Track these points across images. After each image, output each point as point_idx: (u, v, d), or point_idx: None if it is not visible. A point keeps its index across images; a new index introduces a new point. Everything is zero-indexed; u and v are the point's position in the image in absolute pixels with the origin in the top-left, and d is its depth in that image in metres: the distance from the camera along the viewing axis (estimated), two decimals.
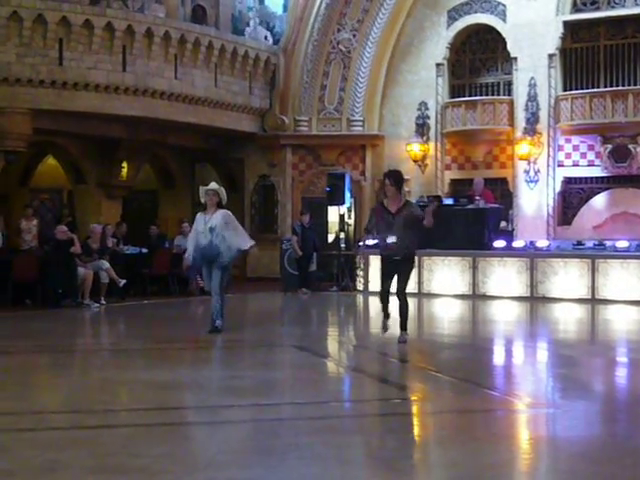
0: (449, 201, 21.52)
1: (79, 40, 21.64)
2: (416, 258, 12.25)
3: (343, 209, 23.10)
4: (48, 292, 17.64)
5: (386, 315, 12.08)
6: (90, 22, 21.65)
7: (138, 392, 8.79)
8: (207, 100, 24.60)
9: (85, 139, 24.52)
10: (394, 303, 11.90)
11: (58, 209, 26.63)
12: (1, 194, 23.01)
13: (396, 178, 12.08)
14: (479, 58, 26.54)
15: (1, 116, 20.98)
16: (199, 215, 13.40)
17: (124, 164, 25.22)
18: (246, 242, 13.42)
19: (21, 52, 21.10)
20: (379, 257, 12.70)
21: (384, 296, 12.04)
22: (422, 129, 26.28)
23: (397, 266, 11.90)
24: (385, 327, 12.13)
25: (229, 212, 13.37)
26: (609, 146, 24.27)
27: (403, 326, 12.02)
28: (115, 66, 22.25)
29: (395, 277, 11.96)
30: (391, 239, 11.73)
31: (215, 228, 13.02)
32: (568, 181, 25.08)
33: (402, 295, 11.99)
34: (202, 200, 13.39)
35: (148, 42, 22.75)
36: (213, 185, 13.57)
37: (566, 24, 24.87)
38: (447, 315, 17.34)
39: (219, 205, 13.30)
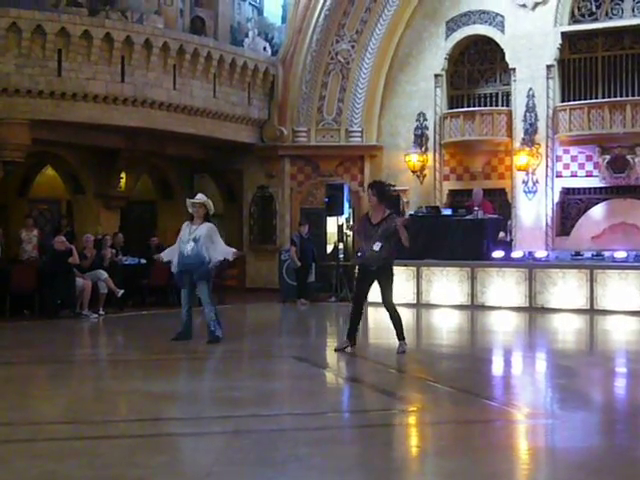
0: (447, 212, 21.55)
1: (78, 51, 21.67)
2: (394, 269, 12.20)
3: (342, 220, 23.11)
4: (46, 302, 17.63)
5: (350, 330, 12.18)
6: (89, 33, 21.69)
7: (136, 403, 8.78)
8: (206, 111, 24.62)
9: (84, 149, 24.54)
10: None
11: (56, 219, 26.63)
12: (0, 205, 23.02)
13: (379, 189, 12.12)
14: (477, 69, 26.60)
15: (0, 127, 20.98)
16: (185, 225, 13.49)
17: (123, 175, 25.25)
18: (228, 253, 13.49)
19: (20, 63, 21.14)
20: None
21: (354, 309, 12.21)
22: (420, 140, 26.32)
23: (373, 277, 12.01)
24: (342, 346, 12.24)
25: (214, 226, 13.45)
26: (607, 157, 24.30)
27: (399, 336, 12.05)
28: (114, 77, 22.28)
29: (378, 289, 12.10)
30: (375, 247, 11.80)
31: (199, 239, 13.12)
32: (566, 192, 25.12)
33: (389, 306, 12.06)
34: (190, 210, 13.47)
35: (147, 53, 22.79)
36: (200, 197, 13.58)
37: (564, 35, 24.94)
38: (445, 325, 17.33)
39: (206, 217, 13.36)
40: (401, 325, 12.09)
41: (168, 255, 13.77)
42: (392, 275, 12.16)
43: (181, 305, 13.50)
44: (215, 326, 13.14)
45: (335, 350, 12.25)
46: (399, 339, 12.03)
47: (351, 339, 12.22)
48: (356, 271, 13.12)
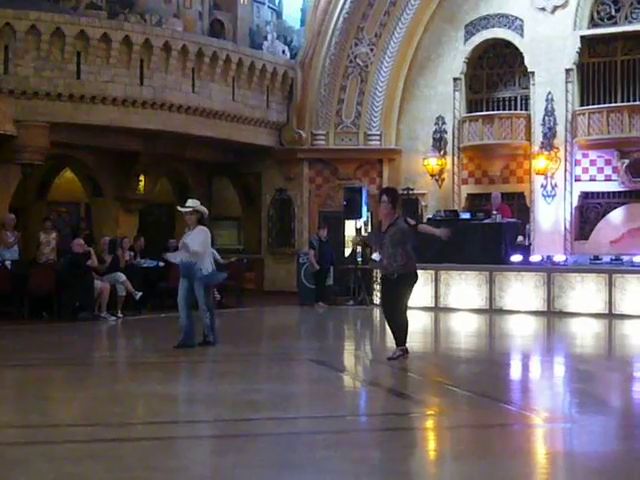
0: (466, 215, 21.51)
1: (97, 54, 21.75)
2: (418, 273, 11.74)
3: (360, 223, 23.09)
4: (65, 305, 17.69)
5: (397, 338, 11.66)
6: (108, 36, 21.76)
7: (155, 405, 8.79)
8: (224, 114, 24.66)
9: (102, 152, 24.59)
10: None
11: (75, 222, 26.72)
12: (19, 207, 23.09)
13: (393, 195, 11.87)
14: (496, 73, 26.56)
15: (19, 129, 21.08)
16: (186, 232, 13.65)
17: (141, 177, 25.29)
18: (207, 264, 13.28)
19: (39, 66, 21.22)
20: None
21: (388, 322, 11.81)
22: (439, 143, 26.30)
23: (395, 284, 11.57)
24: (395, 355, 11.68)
25: (204, 229, 13.28)
26: (626, 161, 24.23)
27: (401, 341, 11.59)
28: (133, 80, 22.34)
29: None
30: (386, 254, 11.57)
31: (186, 244, 13.07)
32: (585, 196, 25.05)
33: (401, 309, 11.62)
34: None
35: (166, 56, 22.84)
36: (191, 203, 13.44)
37: (583, 39, 24.88)
38: (464, 329, 17.28)
39: (200, 221, 13.31)
40: (401, 333, 11.59)
41: (176, 256, 13.73)
42: (413, 281, 11.68)
43: (194, 309, 13.36)
44: (208, 331, 13.10)
45: (388, 359, 11.62)
46: (399, 344, 11.55)
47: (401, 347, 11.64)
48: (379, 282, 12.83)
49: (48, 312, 18.01)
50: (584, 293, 18.75)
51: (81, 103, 21.76)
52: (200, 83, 23.85)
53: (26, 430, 7.63)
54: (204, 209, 13.47)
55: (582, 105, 25.01)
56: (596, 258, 20.15)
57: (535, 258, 20.55)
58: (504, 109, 26.03)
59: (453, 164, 26.20)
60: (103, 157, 25.00)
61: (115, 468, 6.29)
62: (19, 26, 20.94)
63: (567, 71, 24.90)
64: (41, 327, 16.70)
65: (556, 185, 24.94)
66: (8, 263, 18.57)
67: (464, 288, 19.86)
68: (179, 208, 13.64)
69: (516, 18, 25.49)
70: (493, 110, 26.09)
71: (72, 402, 9.22)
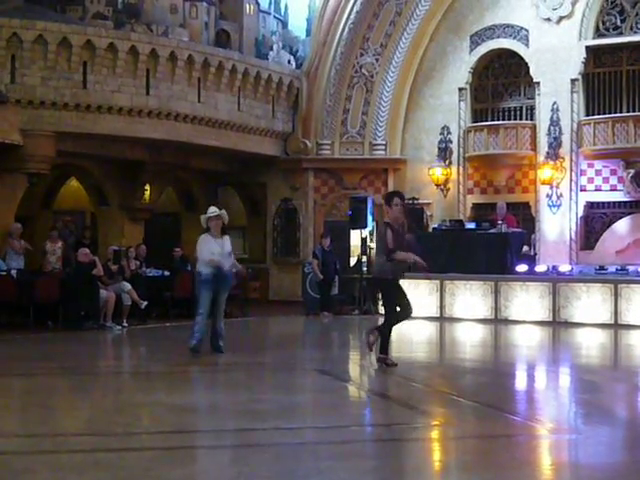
0: (471, 225, 21.51)
1: (103, 63, 21.81)
2: (386, 281, 11.66)
3: (365, 233, 23.08)
4: (70, 314, 17.68)
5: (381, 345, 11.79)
6: (114, 46, 21.82)
7: (159, 415, 8.79)
8: (230, 123, 24.70)
9: (108, 162, 24.64)
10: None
11: (80, 231, 26.76)
12: (24, 216, 23.13)
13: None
14: (502, 83, 26.58)
15: (25, 138, 21.13)
16: (209, 237, 13.32)
17: (147, 187, 25.33)
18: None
19: (46, 75, 21.29)
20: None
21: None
22: (444, 153, 26.31)
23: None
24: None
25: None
26: (632, 171, 24.23)
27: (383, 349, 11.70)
28: (139, 89, 22.40)
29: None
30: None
31: (231, 253, 13.30)
32: (590, 206, 25.04)
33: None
34: (204, 225, 13.41)
35: (172, 66, 22.89)
36: (216, 210, 13.49)
37: (589, 49, 24.89)
38: (469, 339, 17.27)
39: (223, 229, 13.42)
40: (382, 341, 11.67)
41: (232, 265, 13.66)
42: (377, 288, 11.85)
43: (205, 317, 13.36)
44: (192, 335, 13.14)
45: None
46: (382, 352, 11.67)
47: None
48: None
49: (53, 321, 18.01)
50: (590, 303, 18.73)
51: (87, 112, 21.82)
52: (206, 93, 23.89)
53: (31, 439, 7.62)
54: (227, 217, 13.56)
55: (587, 115, 25.01)
56: (602, 268, 20.11)
57: (540, 268, 20.53)
58: (509, 119, 26.06)
59: (458, 174, 26.21)
60: (109, 166, 25.04)
61: (119, 478, 6.29)
62: (26, 36, 21.01)
63: (572, 81, 24.92)
64: (46, 336, 16.70)
65: (561, 195, 24.93)
66: (14, 272, 18.60)
67: (469, 298, 19.85)
68: (203, 216, 13.49)
69: (521, 28, 25.51)
70: (498, 120, 26.11)
71: (77, 411, 9.22)
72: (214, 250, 13.14)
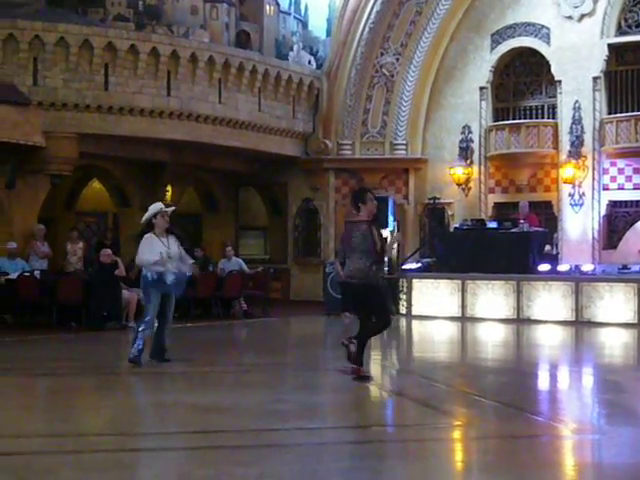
0: (493, 224, 21.44)
1: (124, 65, 21.87)
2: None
3: (386, 233, 23.04)
4: (92, 314, 17.75)
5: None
6: (135, 47, 21.87)
7: (182, 415, 8.81)
8: (251, 124, 24.72)
9: (130, 163, 24.73)
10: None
11: (102, 233, 26.84)
12: (47, 218, 23.21)
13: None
14: (523, 81, 26.49)
15: (48, 140, 21.21)
16: (154, 236, 12.54)
17: (168, 188, 25.38)
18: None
19: (68, 77, 21.36)
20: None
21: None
22: (466, 152, 26.24)
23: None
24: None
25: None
26: None
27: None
28: (160, 91, 22.45)
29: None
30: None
31: (178, 254, 12.62)
32: (613, 204, 24.92)
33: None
34: (151, 220, 12.62)
35: (192, 67, 22.93)
36: (162, 206, 12.71)
37: (611, 47, 24.77)
38: (491, 339, 17.22)
39: (168, 228, 12.60)
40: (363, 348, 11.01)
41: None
42: (371, 294, 10.83)
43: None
44: (133, 344, 12.16)
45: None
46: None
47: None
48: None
49: (76, 322, 18.07)
50: (612, 303, 18.65)
51: (109, 114, 21.88)
52: (227, 94, 23.92)
53: (54, 439, 7.66)
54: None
55: (610, 113, 24.89)
56: (624, 267, 20.01)
57: (563, 267, 20.45)
58: (531, 118, 25.96)
59: (480, 173, 26.13)
60: (130, 168, 25.13)
61: (143, 477, 6.30)
62: (48, 38, 21.09)
63: (594, 79, 24.80)
64: (69, 337, 16.76)
65: (584, 194, 24.82)
66: (37, 273, 18.70)
67: (491, 298, 19.78)
68: (166, 209, 12.77)
69: (543, 26, 25.41)
70: (520, 119, 26.01)
71: (100, 411, 9.25)
72: (161, 251, 12.28)
